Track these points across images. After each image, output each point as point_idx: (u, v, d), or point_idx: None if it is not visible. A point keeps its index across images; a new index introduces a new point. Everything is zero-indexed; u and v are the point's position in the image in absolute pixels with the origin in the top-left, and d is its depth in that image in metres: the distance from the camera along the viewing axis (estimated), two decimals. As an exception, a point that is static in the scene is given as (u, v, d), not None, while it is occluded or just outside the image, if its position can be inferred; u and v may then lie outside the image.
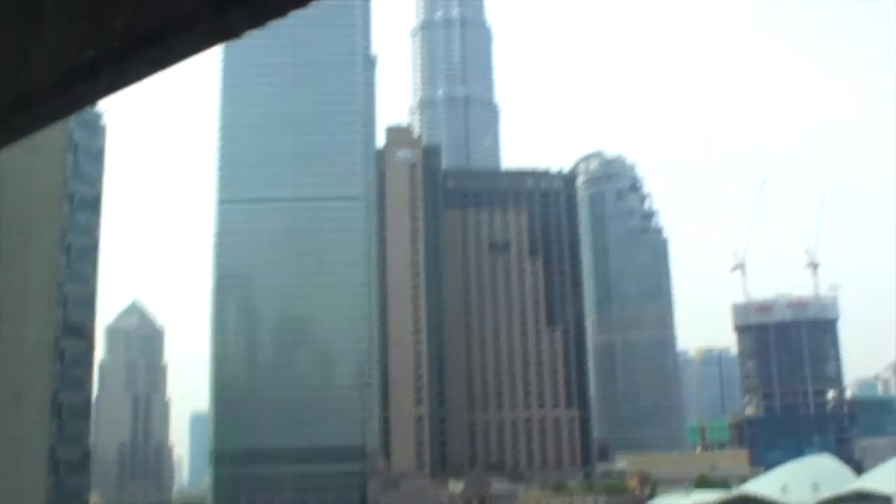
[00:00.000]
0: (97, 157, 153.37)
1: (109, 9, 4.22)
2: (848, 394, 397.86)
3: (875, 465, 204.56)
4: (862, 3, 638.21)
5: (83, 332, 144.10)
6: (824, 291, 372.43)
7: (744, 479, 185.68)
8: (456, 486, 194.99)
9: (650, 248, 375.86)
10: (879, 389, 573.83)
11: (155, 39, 4.24)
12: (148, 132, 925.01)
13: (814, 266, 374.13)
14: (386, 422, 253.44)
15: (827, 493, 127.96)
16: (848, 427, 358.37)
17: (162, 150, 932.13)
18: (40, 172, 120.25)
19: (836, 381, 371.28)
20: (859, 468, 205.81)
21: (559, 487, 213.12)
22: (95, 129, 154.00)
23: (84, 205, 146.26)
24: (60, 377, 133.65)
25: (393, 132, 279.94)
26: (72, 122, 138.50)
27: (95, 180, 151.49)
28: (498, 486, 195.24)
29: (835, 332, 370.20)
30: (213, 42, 4.35)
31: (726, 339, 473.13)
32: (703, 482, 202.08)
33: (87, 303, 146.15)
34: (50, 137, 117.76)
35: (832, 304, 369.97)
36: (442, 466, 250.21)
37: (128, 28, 4.24)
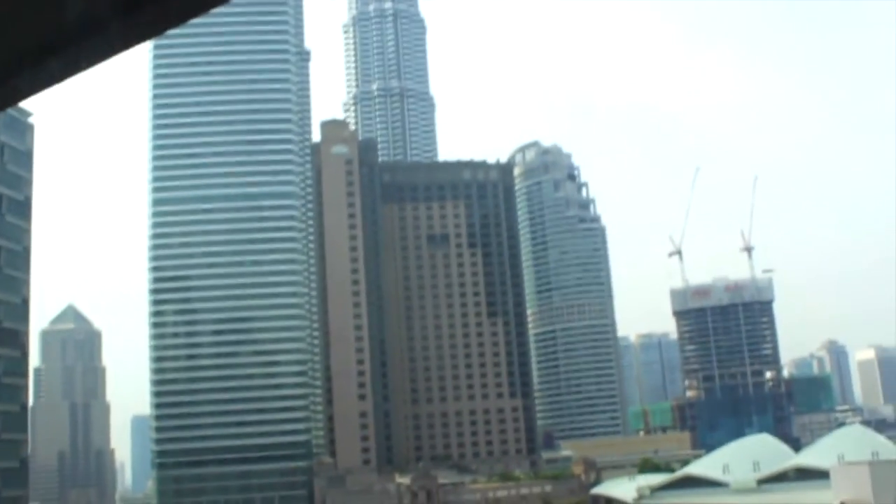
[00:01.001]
0: (26, 158, 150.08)
1: (28, 7, 4.10)
2: (785, 373, 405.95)
3: (812, 441, 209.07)
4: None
5: (16, 339, 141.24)
6: (759, 274, 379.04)
7: (686, 462, 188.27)
8: (403, 480, 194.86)
9: (588, 236, 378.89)
10: (815, 368, 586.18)
11: (75, 38, 4.14)
12: (79, 132, 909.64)
13: (748, 250, 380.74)
14: (330, 418, 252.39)
15: (767, 470, 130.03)
16: (786, 406, 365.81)
17: (94, 151, 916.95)
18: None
19: (774, 361, 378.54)
20: (797, 445, 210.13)
21: (506, 477, 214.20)
22: (23, 130, 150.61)
23: (13, 208, 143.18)
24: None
25: (328, 127, 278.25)
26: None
27: (25, 182, 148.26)
28: (445, 478, 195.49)
29: (771, 313, 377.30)
30: (131, 41, 4.26)
31: (666, 325, 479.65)
32: (648, 466, 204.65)
33: (20, 309, 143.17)
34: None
35: (768, 286, 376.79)
36: (388, 461, 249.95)
37: (47, 27, 4.14)
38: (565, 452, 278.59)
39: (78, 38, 4.11)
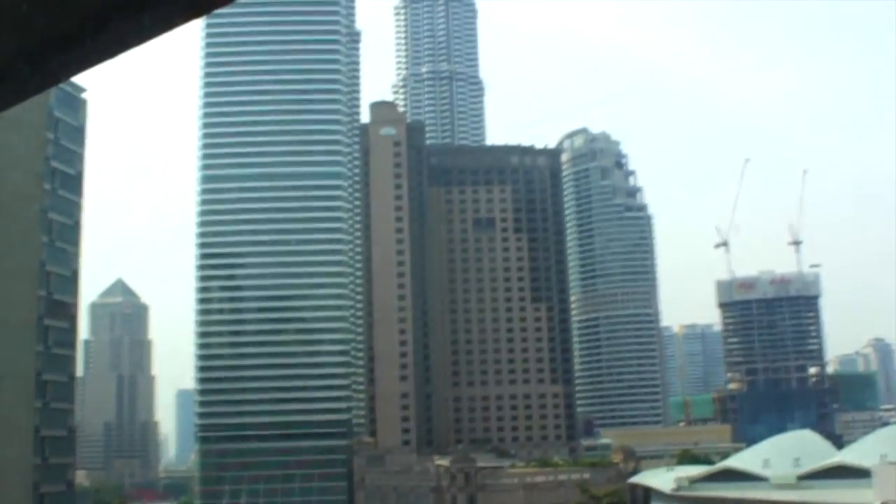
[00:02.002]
0: (78, 133, 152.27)
1: None
2: (829, 369, 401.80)
3: (855, 439, 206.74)
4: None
5: (66, 312, 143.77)
6: (806, 269, 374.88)
7: (726, 454, 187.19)
8: (442, 462, 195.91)
9: (634, 224, 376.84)
10: (860, 365, 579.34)
11: (130, 12, 4.15)
12: (131, 109, 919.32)
13: (796, 243, 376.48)
14: (371, 398, 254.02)
15: (808, 467, 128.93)
16: (829, 402, 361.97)
17: (145, 127, 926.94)
18: (20, 151, 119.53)
19: (818, 357, 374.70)
20: (840, 442, 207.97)
21: (544, 463, 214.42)
22: (76, 106, 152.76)
23: (66, 182, 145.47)
24: (44, 357, 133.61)
25: (377, 108, 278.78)
26: (51, 98, 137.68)
27: (77, 157, 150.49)
28: (483, 461, 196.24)
29: (817, 308, 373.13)
30: (188, 16, 4.25)
31: (710, 316, 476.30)
32: (687, 457, 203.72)
33: (70, 282, 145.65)
34: (29, 115, 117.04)
35: (814, 281, 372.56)
36: (428, 442, 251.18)
37: (98, 1, 4.14)
38: (605, 440, 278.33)
39: (136, 11, 4.16)
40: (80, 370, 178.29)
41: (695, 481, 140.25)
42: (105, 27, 4.24)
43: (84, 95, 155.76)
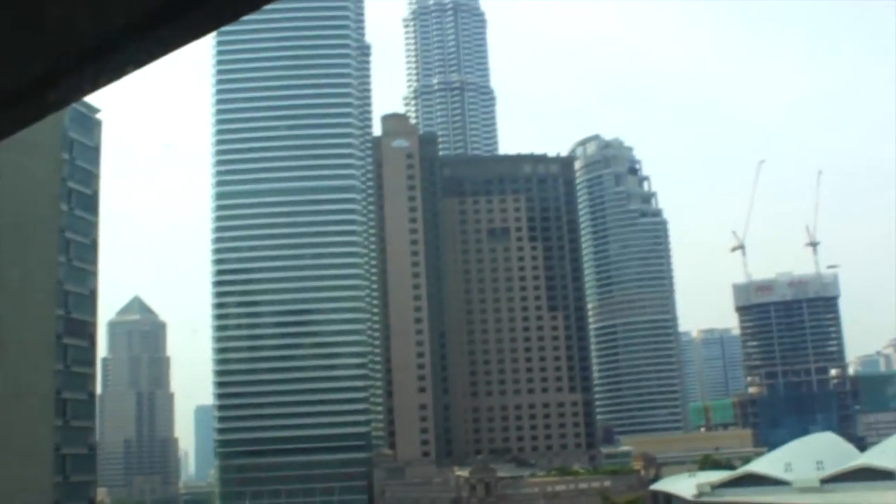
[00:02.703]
0: (93, 153, 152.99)
1: (94, 2, 4.15)
2: (850, 371, 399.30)
3: (878, 440, 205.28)
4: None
5: (84, 330, 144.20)
6: (824, 270, 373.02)
7: (748, 459, 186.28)
8: (462, 473, 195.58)
9: (650, 230, 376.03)
10: (882, 366, 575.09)
11: (139, 31, 4.19)
12: (144, 126, 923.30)
13: (813, 245, 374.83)
14: (390, 410, 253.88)
15: (831, 469, 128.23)
16: (851, 404, 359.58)
17: (158, 144, 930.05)
18: (37, 172, 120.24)
19: (839, 358, 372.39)
20: (862, 444, 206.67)
21: (564, 471, 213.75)
22: (90, 126, 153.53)
23: (81, 202, 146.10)
24: (63, 375, 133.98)
25: (389, 120, 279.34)
26: (66, 119, 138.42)
27: (92, 177, 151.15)
28: (503, 471, 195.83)
29: (836, 309, 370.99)
30: (208, 28, 4.31)
31: (728, 320, 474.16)
32: (708, 462, 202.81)
33: (88, 300, 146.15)
34: (44, 136, 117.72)
35: (833, 281, 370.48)
36: (447, 453, 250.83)
37: (111, 21, 4.17)
38: (625, 448, 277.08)
39: (146, 30, 4.19)
40: (99, 388, 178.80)
41: (717, 487, 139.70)
42: (122, 44, 4.29)
43: (98, 116, 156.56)
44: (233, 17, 4.21)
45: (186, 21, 4.17)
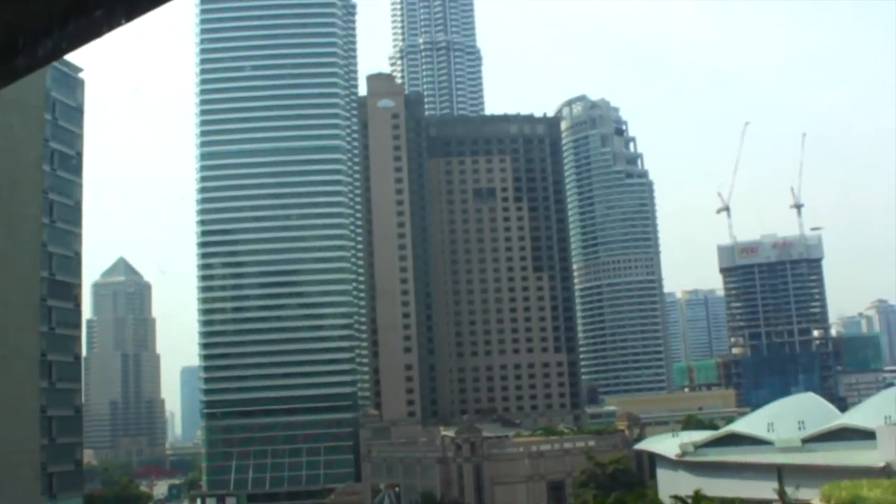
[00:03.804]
0: (76, 114, 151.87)
1: None
2: (832, 332, 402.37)
3: (858, 401, 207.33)
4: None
5: (69, 292, 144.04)
6: (808, 232, 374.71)
7: (731, 419, 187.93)
8: (447, 433, 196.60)
9: (635, 191, 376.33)
10: (863, 327, 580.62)
11: None
12: (128, 88, 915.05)
13: (798, 207, 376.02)
14: (376, 371, 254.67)
15: (812, 429, 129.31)
16: (832, 365, 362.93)
17: (142, 105, 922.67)
18: (19, 133, 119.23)
19: (821, 319, 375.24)
20: (843, 405, 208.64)
21: (550, 431, 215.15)
22: (73, 86, 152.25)
23: (65, 163, 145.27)
24: (49, 338, 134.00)
25: (374, 80, 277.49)
26: (48, 79, 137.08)
27: (76, 138, 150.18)
28: (489, 431, 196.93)
29: (819, 271, 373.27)
30: None
31: (713, 281, 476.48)
32: (692, 422, 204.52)
33: (73, 262, 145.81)
34: (26, 96, 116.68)
35: (816, 243, 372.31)
36: (433, 413, 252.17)
37: None
38: (609, 408, 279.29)
39: None
40: (84, 350, 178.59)
41: (700, 446, 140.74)
42: (95, 4, 4.21)
43: (81, 76, 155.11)
44: None
45: None
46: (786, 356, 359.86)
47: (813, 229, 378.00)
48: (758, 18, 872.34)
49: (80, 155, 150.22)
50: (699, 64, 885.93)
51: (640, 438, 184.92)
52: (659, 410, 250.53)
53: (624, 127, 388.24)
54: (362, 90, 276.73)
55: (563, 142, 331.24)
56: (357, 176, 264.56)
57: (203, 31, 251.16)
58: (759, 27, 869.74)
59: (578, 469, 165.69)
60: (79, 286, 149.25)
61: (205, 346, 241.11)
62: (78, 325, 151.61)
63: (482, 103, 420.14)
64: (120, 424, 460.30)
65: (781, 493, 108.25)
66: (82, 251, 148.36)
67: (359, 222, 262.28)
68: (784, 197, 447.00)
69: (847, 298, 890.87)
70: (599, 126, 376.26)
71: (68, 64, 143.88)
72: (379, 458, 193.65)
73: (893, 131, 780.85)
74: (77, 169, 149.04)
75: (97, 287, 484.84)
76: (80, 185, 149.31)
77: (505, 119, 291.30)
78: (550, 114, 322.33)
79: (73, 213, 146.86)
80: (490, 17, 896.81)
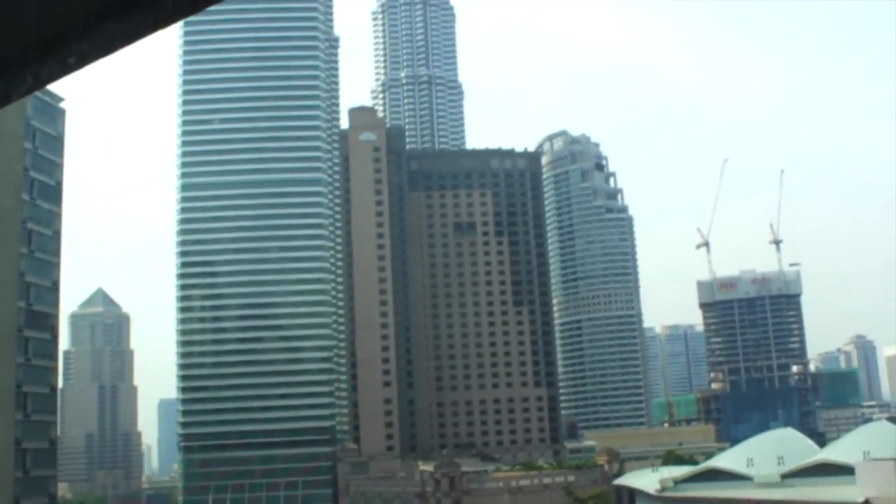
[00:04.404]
0: (57, 143, 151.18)
1: None
2: (811, 367, 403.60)
3: (837, 436, 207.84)
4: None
5: (47, 322, 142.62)
6: (787, 267, 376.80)
7: (710, 454, 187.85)
8: (426, 467, 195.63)
9: (615, 226, 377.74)
10: (842, 362, 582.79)
11: (105, 18, 4.10)
12: (110, 117, 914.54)
13: (777, 242, 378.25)
14: (355, 404, 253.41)
15: (791, 465, 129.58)
16: (811, 400, 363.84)
17: (123, 136, 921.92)
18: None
19: (800, 355, 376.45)
20: (822, 440, 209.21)
21: (529, 466, 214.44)
22: (54, 115, 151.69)
23: (45, 192, 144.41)
24: (25, 368, 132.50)
25: (356, 114, 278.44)
26: (29, 108, 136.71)
27: (56, 167, 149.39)
28: (468, 466, 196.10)
29: (798, 307, 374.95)
30: (172, 19, 4.20)
31: (692, 316, 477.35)
32: (671, 457, 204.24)
33: (51, 292, 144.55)
34: (7, 124, 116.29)
35: (795, 279, 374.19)
36: (412, 448, 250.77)
37: (76, 8, 4.09)
38: (589, 443, 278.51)
39: (102, 22, 4.09)
40: (60, 381, 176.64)
41: (679, 482, 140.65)
42: (87, 31, 4.17)
43: (62, 105, 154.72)
44: (195, 8, 4.11)
45: (146, 13, 4.06)
46: (765, 391, 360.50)
47: (792, 265, 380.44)
48: (737, 56, 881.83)
49: (59, 184, 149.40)
50: (679, 100, 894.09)
51: (619, 473, 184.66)
52: (639, 445, 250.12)
53: (604, 162, 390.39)
54: (344, 123, 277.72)
55: (544, 176, 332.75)
56: (338, 209, 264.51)
57: (186, 62, 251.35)
58: (739, 64, 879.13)
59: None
60: (56, 317, 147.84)
61: (183, 378, 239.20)
62: (55, 357, 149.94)
63: (463, 137, 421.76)
64: (96, 457, 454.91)
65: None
66: (60, 281, 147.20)
67: (339, 255, 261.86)
68: (763, 232, 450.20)
69: (825, 334, 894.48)
70: (580, 161, 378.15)
71: (49, 93, 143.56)
72: (357, 492, 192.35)
73: (871, 167, 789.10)
74: (56, 198, 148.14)
75: (75, 318, 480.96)
76: (59, 215, 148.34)
77: (486, 153, 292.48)
78: (531, 148, 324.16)
79: (52, 243, 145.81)
80: (472, 52, 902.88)
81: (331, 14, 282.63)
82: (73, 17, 4.13)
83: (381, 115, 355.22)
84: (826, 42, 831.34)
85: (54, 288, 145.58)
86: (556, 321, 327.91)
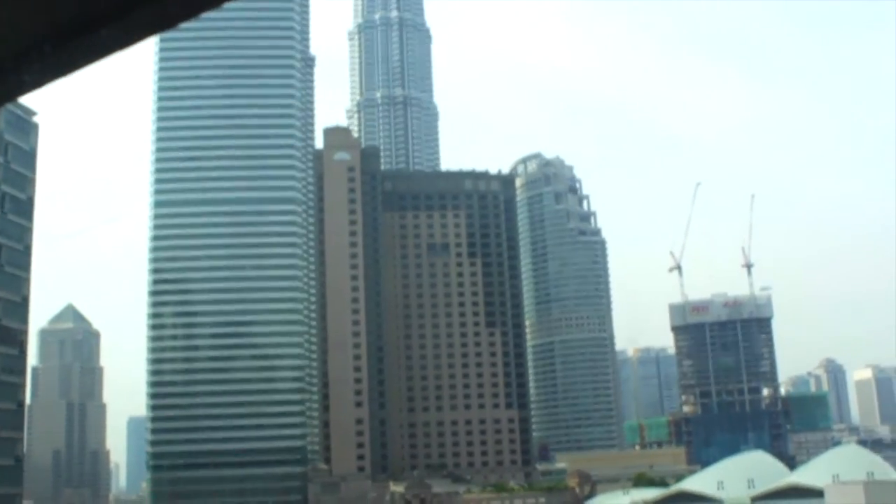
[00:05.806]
0: (29, 157, 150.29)
1: (25, 4, 4.02)
2: (782, 391, 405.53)
3: (808, 459, 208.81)
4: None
5: (15, 338, 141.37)
6: (758, 291, 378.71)
7: (681, 477, 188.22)
8: (397, 488, 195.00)
9: (588, 249, 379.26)
10: (812, 386, 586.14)
11: (80, 31, 4.06)
12: (82, 132, 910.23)
13: (748, 266, 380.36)
14: (326, 424, 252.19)
15: (762, 487, 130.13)
16: (782, 423, 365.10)
17: (97, 152, 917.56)
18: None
19: (771, 378, 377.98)
20: (793, 463, 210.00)
21: (500, 488, 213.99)
22: (27, 129, 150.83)
23: (16, 207, 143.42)
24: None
25: (331, 133, 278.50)
26: (1, 121, 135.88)
27: (28, 181, 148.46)
28: (439, 487, 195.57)
29: (769, 330, 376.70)
30: (129, 40, 4.17)
31: (664, 339, 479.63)
32: (643, 480, 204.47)
33: (20, 307, 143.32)
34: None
35: (766, 303, 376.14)
36: (383, 468, 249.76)
37: (52, 20, 4.06)
38: (560, 465, 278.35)
39: (76, 35, 4.06)
40: (28, 397, 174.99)
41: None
42: (62, 43, 4.13)
43: (35, 119, 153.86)
44: (170, 24, 4.08)
45: (136, 20, 4.02)
46: (736, 414, 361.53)
47: (763, 289, 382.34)
48: (710, 81, 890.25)
49: (31, 199, 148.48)
50: (653, 124, 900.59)
51: (590, 496, 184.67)
52: (610, 468, 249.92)
53: (578, 185, 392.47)
54: (319, 143, 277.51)
55: (518, 199, 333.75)
56: (311, 228, 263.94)
57: (161, 78, 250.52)
58: (712, 90, 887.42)
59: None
60: (25, 332, 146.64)
61: (153, 396, 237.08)
62: (22, 372, 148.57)
63: (438, 159, 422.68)
64: (63, 475, 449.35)
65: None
66: (30, 296, 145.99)
67: (312, 274, 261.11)
68: (735, 256, 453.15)
69: (796, 358, 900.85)
70: (554, 183, 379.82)
71: (22, 107, 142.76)
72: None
73: (841, 192, 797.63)
74: (28, 213, 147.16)
75: (44, 333, 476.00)
76: (30, 230, 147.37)
77: (460, 175, 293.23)
78: (505, 171, 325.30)
79: (23, 258, 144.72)
80: (447, 74, 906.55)
81: (307, 34, 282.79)
82: (46, 31, 4.11)
83: (355, 135, 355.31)
84: (799, 68, 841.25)
85: (24, 303, 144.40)
86: (529, 343, 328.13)
